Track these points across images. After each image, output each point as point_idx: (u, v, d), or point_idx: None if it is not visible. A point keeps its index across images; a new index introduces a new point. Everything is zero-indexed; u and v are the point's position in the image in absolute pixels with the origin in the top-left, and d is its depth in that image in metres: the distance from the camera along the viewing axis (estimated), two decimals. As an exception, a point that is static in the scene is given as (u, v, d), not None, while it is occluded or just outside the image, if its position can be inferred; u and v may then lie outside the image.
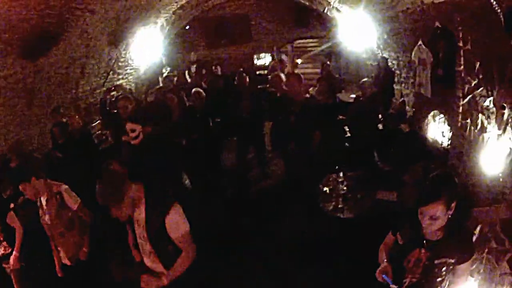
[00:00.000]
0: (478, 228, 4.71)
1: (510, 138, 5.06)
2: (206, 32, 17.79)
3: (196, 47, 17.72)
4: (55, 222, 5.43)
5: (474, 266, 4.50)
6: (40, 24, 6.53)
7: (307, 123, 7.41)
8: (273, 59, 17.32)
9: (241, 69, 14.26)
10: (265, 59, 18.08)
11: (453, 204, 3.30)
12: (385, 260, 3.72)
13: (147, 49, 12.11)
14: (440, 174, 3.46)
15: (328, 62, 14.50)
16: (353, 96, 11.23)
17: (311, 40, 17.92)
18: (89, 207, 5.55)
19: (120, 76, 11.84)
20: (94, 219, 5.62)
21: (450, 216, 3.33)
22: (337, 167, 7.56)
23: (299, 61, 17.81)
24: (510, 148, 5.04)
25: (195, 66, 16.08)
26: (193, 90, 9.94)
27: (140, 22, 10.47)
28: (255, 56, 18.14)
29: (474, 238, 4.44)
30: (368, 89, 9.35)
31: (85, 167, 6.95)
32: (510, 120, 5.10)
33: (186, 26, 15.62)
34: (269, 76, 10.92)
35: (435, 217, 3.27)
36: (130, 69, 12.21)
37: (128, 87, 12.33)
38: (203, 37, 17.86)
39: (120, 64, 11.31)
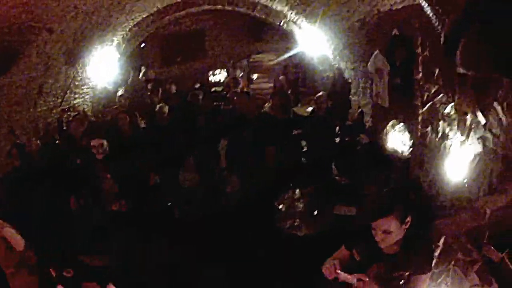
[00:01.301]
0: (442, 240, 4.43)
1: (474, 144, 4.88)
2: (161, 49, 17.37)
3: (152, 64, 17.24)
4: (5, 263, 5.27)
5: (441, 279, 4.19)
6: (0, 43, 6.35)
7: (261, 139, 7.14)
8: (228, 75, 16.99)
9: (197, 86, 13.93)
10: (220, 75, 17.73)
11: (408, 219, 3.23)
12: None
13: (103, 68, 11.76)
14: (393, 189, 3.33)
15: (282, 77, 14.29)
16: (310, 109, 11.01)
17: (267, 54, 17.71)
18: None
19: (77, 95, 11.49)
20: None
21: (406, 230, 3.27)
22: (291, 184, 7.25)
23: (255, 76, 17.56)
24: (474, 154, 4.85)
25: (151, 84, 15.62)
26: (158, 106, 9.72)
27: (97, 40, 10.29)
28: (210, 73, 17.76)
29: (438, 250, 4.15)
30: (323, 103, 9.10)
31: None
32: (473, 126, 4.92)
33: (141, 43, 15.20)
34: (226, 94, 10.68)
35: (388, 232, 3.17)
36: (87, 88, 11.84)
37: (84, 107, 11.89)
38: (159, 55, 17.43)
39: (77, 83, 11.04)
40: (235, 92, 10.57)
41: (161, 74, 17.09)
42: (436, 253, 4.26)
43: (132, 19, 11.00)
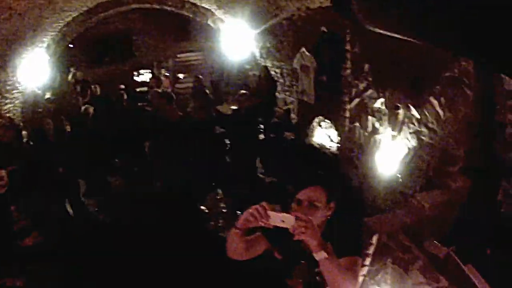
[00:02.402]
0: (375, 238, 3.94)
1: (407, 138, 4.54)
2: (89, 50, 16.20)
3: (80, 66, 16.01)
4: None
5: (379, 276, 3.79)
6: None
7: (181, 141, 6.54)
8: (153, 75, 16.10)
9: (121, 87, 13.01)
10: (145, 75, 16.73)
11: (332, 204, 2.56)
12: None
13: (33, 71, 10.64)
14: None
15: (201, 76, 13.58)
16: (234, 108, 10.46)
17: (194, 53, 16.93)
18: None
19: (8, 100, 10.25)
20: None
21: (328, 217, 2.57)
22: (214, 184, 6.64)
23: (181, 75, 16.75)
24: (408, 148, 4.50)
25: (79, 86, 14.47)
26: (83, 108, 9.02)
27: (28, 42, 9.25)
28: (135, 73, 16.72)
29: (372, 248, 3.64)
30: (245, 101, 8.55)
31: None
32: (406, 120, 4.58)
33: (70, 44, 14.04)
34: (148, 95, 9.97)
35: (315, 205, 2.48)
36: (17, 92, 10.64)
37: (12, 113, 10.69)
38: (86, 55, 16.25)
39: (7, 87, 9.86)
40: (155, 92, 9.79)
41: (88, 75, 15.90)
42: (370, 251, 3.75)
43: (63, 19, 10.02)
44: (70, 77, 14.45)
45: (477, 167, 3.67)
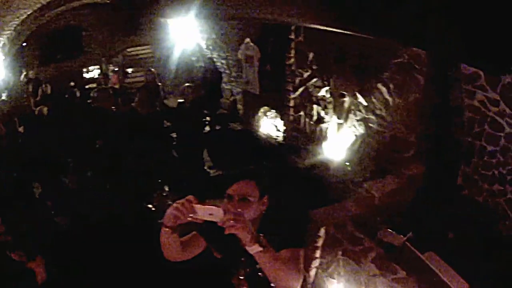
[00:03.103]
0: (322, 231, 3.62)
1: (354, 126, 4.25)
2: (41, 48, 15.16)
3: (32, 64, 14.97)
4: None
5: (331, 269, 3.51)
6: None
7: (126, 136, 6.06)
8: (101, 71, 15.33)
9: (72, 84, 12.23)
10: (94, 71, 15.91)
11: (265, 198, 2.26)
12: None
13: None
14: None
15: (152, 69, 13.00)
16: (180, 101, 9.96)
17: (142, 47, 16.19)
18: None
19: None
20: None
21: (263, 211, 2.28)
22: (160, 180, 6.17)
23: (129, 70, 16.00)
24: (356, 135, 4.21)
25: (31, 85, 13.52)
26: (37, 109, 8.26)
27: None
28: (84, 70, 15.87)
29: (320, 241, 3.31)
30: (190, 94, 8.10)
31: None
32: (352, 108, 4.29)
33: (23, 42, 13.08)
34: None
35: (246, 200, 2.19)
36: None
37: None
38: (38, 54, 15.21)
39: None
40: (98, 88, 9.19)
41: (41, 74, 14.90)
42: (319, 244, 3.42)
43: (18, 17, 9.18)
44: (22, 76, 13.53)
45: (432, 152, 3.43)
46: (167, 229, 2.10)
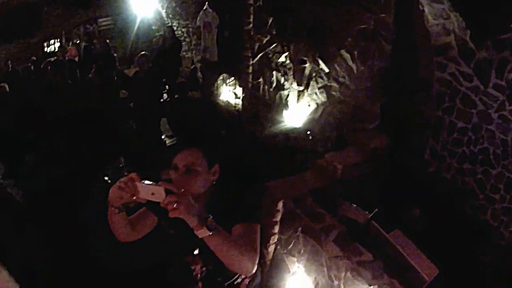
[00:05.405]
0: (280, 204, 3.12)
1: (315, 93, 3.75)
2: (0, 26, 13.99)
3: None
4: None
5: (291, 245, 3.04)
6: None
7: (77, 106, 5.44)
8: (61, 45, 14.34)
9: (33, 59, 11.29)
10: (54, 45, 14.91)
11: (216, 168, 1.94)
12: None
13: None
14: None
15: (107, 40, 12.16)
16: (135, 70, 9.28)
17: (104, 19, 15.11)
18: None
19: None
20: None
21: (213, 182, 1.95)
22: (119, 151, 5.55)
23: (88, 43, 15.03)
24: (317, 103, 3.71)
25: None
26: None
27: None
28: (45, 44, 14.82)
29: (278, 216, 2.80)
30: (145, 62, 7.41)
31: None
32: (314, 75, 3.78)
33: None
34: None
35: (192, 169, 1.86)
36: None
37: None
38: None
39: None
40: (53, 60, 8.37)
41: (2, 51, 13.79)
42: (277, 219, 2.93)
43: None
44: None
45: (397, 125, 2.98)
46: (113, 209, 1.83)
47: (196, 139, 1.98)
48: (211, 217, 1.62)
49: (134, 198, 1.66)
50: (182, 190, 1.58)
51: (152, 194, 1.58)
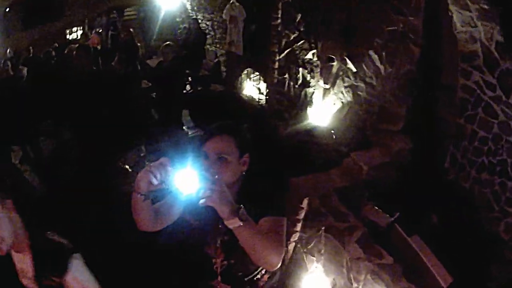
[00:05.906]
0: (305, 202, 3.12)
1: (342, 92, 3.75)
2: (23, 11, 14.19)
3: (14, 29, 13.96)
4: None
5: (312, 244, 3.03)
6: None
7: (100, 95, 5.46)
8: (83, 32, 14.42)
9: (55, 46, 11.43)
10: (76, 33, 14.99)
11: (246, 157, 1.87)
12: None
13: None
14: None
15: (131, 30, 12.18)
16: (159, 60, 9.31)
17: (128, 9, 15.20)
18: None
19: None
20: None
21: (243, 173, 1.89)
22: (138, 141, 5.58)
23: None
24: (342, 102, 3.71)
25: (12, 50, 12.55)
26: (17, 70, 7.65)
27: None
28: (67, 31, 14.90)
29: (302, 213, 2.80)
30: (170, 53, 7.43)
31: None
32: (341, 73, 3.78)
33: (6, 8, 12.08)
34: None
35: (224, 158, 1.80)
36: None
37: None
38: (21, 18, 14.21)
39: None
40: (77, 46, 8.45)
41: (24, 37, 13.92)
42: (300, 216, 2.94)
43: None
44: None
45: (421, 129, 2.96)
46: (141, 196, 1.71)
47: (229, 126, 1.93)
48: (243, 207, 1.58)
49: (163, 184, 1.59)
50: (216, 176, 1.55)
51: (183, 181, 1.53)
